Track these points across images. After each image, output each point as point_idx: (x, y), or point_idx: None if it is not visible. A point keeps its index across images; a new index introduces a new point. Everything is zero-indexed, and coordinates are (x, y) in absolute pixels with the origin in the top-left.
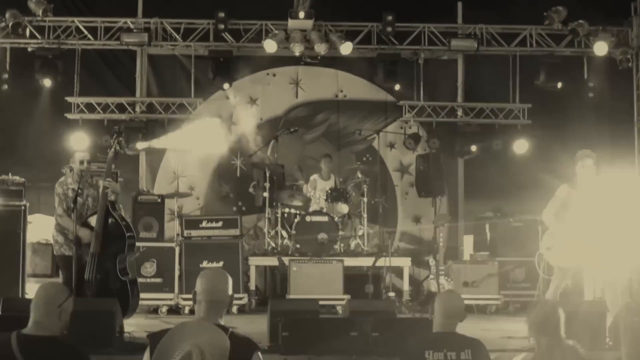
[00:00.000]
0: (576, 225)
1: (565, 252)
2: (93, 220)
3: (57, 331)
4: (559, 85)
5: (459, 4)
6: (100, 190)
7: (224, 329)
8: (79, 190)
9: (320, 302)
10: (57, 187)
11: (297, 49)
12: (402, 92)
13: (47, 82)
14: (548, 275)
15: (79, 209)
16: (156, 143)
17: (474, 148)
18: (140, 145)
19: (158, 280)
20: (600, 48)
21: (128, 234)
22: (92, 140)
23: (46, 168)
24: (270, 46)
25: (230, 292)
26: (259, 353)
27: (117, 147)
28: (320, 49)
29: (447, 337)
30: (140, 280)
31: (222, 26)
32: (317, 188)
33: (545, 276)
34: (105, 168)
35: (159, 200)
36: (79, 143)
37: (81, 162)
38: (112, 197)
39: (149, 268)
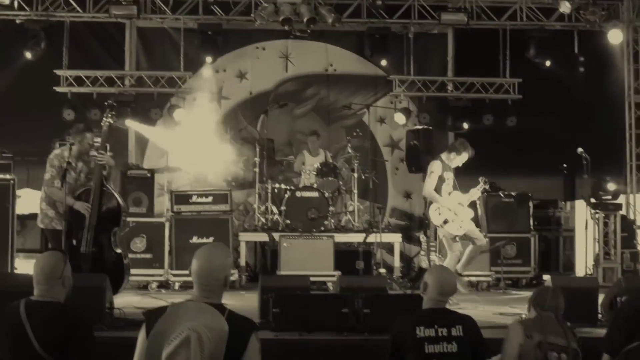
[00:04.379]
0: (454, 197)
1: (457, 222)
2: (86, 195)
3: (62, 298)
4: (548, 63)
5: None
6: (94, 164)
7: (222, 308)
8: (72, 165)
9: (311, 279)
10: (54, 160)
11: (287, 23)
12: (389, 68)
13: (35, 55)
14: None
15: (72, 183)
16: (144, 130)
17: (465, 126)
18: (130, 123)
19: (148, 255)
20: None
21: (122, 207)
22: (81, 113)
23: (35, 142)
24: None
25: (226, 270)
26: (257, 333)
27: (110, 122)
28: (310, 22)
29: (438, 313)
30: (130, 256)
31: None
32: (306, 163)
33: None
34: (100, 142)
35: (149, 174)
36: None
37: (91, 144)
38: (105, 171)
39: (139, 244)
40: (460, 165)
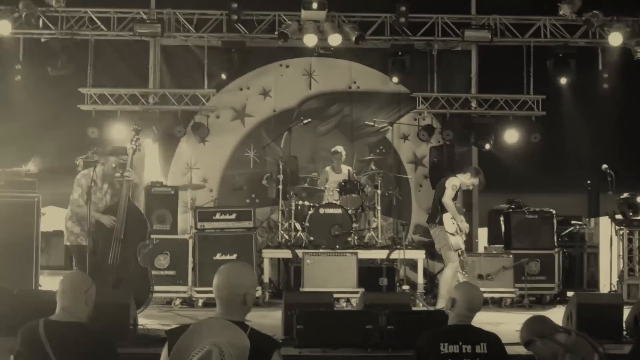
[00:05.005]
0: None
1: (460, 237)
2: (111, 211)
3: (84, 317)
4: (563, 81)
5: None
6: (119, 185)
7: (244, 326)
8: (97, 185)
9: (335, 295)
10: (81, 179)
11: (310, 40)
12: (402, 82)
13: (60, 73)
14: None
15: (98, 204)
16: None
17: (488, 146)
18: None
19: (171, 272)
20: (615, 38)
21: (147, 222)
22: (105, 131)
23: (59, 160)
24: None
25: (246, 288)
26: (279, 351)
27: (134, 147)
28: (334, 40)
29: (462, 330)
30: (153, 272)
31: (235, 17)
32: (330, 180)
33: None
34: (128, 162)
35: (173, 192)
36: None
37: (114, 167)
38: (130, 190)
39: (163, 260)
40: (466, 188)
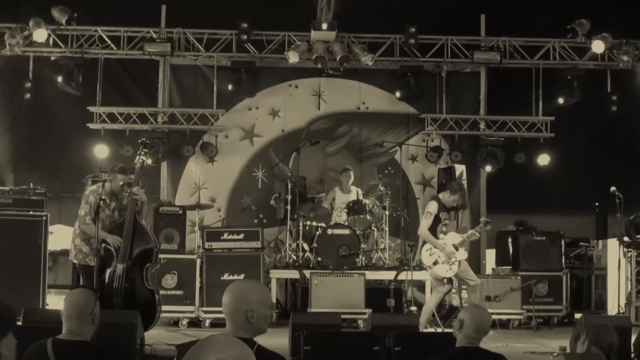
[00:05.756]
0: (449, 238)
1: (446, 264)
2: (118, 228)
3: (90, 336)
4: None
5: (482, 17)
6: (126, 201)
7: (251, 343)
8: (106, 202)
9: (342, 316)
10: (89, 196)
11: (319, 61)
12: (410, 105)
13: (69, 92)
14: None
15: (106, 221)
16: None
17: (496, 167)
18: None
19: (179, 292)
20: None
21: (155, 243)
22: (114, 150)
23: (67, 178)
24: (293, 56)
25: (251, 304)
26: None
27: (144, 159)
28: (343, 60)
29: (470, 352)
30: (161, 292)
31: (244, 37)
32: (338, 201)
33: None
34: (134, 178)
35: (180, 211)
36: (101, 153)
37: (122, 185)
38: (137, 207)
39: (170, 280)
40: (454, 205)
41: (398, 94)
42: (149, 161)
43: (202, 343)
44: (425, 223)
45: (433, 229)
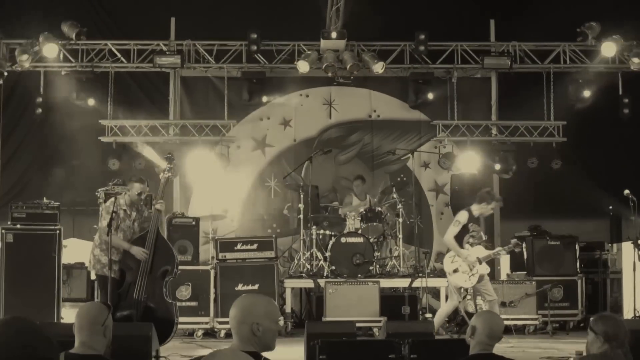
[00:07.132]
0: (475, 251)
1: (466, 274)
2: (140, 241)
3: (103, 349)
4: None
5: (492, 22)
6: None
7: (257, 356)
8: (127, 213)
9: (357, 324)
10: (110, 206)
11: (330, 70)
12: (421, 112)
13: (80, 105)
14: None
15: (127, 231)
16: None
17: (509, 172)
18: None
19: (193, 303)
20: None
21: (175, 257)
22: (126, 162)
23: (80, 192)
24: (303, 66)
25: (256, 317)
26: None
27: (169, 175)
28: (353, 69)
29: (485, 359)
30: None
31: (254, 47)
32: (353, 205)
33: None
34: (158, 192)
35: (194, 222)
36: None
37: (139, 194)
38: (160, 220)
39: (184, 291)
40: (489, 214)
41: (412, 100)
42: (175, 176)
43: (208, 357)
44: (452, 231)
45: (460, 239)
